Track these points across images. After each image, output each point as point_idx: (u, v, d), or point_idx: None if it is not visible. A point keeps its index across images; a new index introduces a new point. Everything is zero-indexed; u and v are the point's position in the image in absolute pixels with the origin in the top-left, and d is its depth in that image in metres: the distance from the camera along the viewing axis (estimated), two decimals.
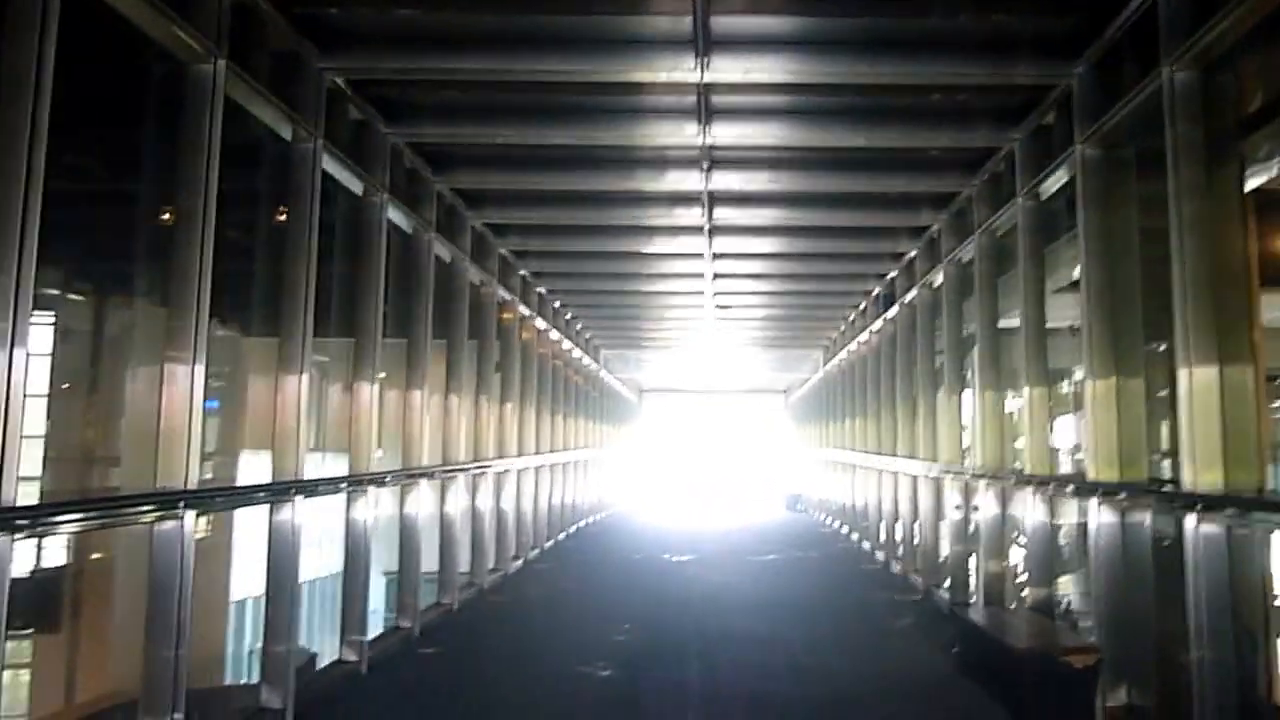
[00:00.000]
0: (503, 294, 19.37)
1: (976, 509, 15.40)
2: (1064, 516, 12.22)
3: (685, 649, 13.24)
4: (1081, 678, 9.56)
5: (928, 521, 17.93)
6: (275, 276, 10.12)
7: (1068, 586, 12.55)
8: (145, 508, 7.59)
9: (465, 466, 16.65)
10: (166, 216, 8.14)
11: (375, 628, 13.12)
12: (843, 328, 27.85)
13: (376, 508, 11.97)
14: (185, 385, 7.80)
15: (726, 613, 15.93)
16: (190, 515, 7.68)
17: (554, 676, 11.65)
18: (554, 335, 24.90)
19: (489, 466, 18.15)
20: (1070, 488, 11.35)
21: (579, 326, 28.66)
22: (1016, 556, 14.19)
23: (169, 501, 7.60)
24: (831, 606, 16.69)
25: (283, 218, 10.14)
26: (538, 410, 23.10)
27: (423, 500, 14.20)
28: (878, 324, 22.57)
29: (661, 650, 13.14)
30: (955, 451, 16.09)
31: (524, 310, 21.24)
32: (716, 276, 20.78)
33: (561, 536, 26.05)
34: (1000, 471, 13.99)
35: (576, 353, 28.84)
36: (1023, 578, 13.43)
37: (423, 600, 14.54)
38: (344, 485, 11.42)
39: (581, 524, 29.73)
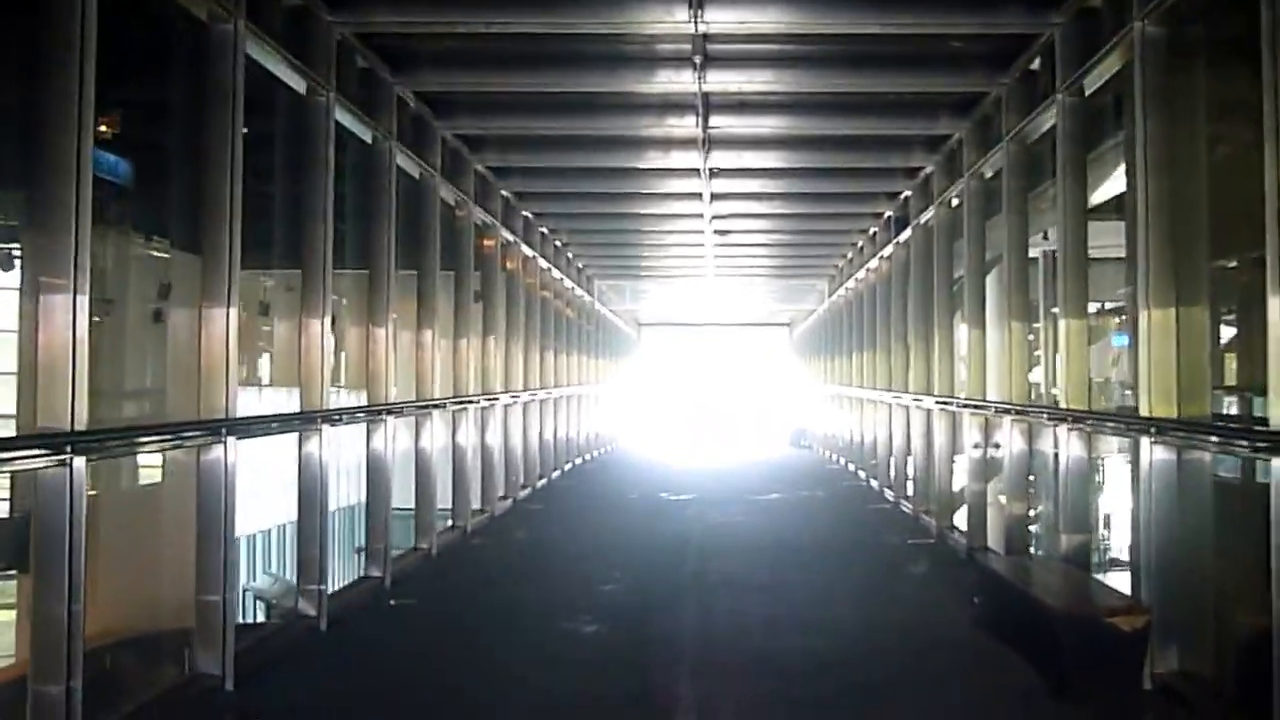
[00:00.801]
0: (487, 219, 18.68)
1: (997, 446, 14.33)
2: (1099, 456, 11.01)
3: (681, 600, 12.09)
4: (1128, 641, 8.36)
5: (942, 459, 16.76)
6: (295, 223, 10.79)
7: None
8: (194, 434, 8.38)
9: (441, 402, 15.45)
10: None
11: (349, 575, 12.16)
12: (850, 255, 26.61)
13: (329, 447, 10.83)
14: (221, 326, 8.59)
15: (727, 558, 14.80)
16: (232, 441, 8.50)
17: (534, 635, 10.48)
18: (543, 264, 23.67)
19: (471, 402, 16.94)
20: (1116, 425, 10.49)
21: (570, 255, 27.44)
22: (1041, 499, 13.06)
23: (213, 429, 8.40)
24: (839, 550, 15.54)
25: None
26: (527, 344, 21.97)
27: (394, 437, 13.08)
28: (889, 249, 21.34)
29: (655, 601, 11.99)
30: (975, 385, 14.86)
31: (507, 235, 20.15)
32: (714, 198, 19.55)
33: (555, 475, 24.91)
34: (1029, 405, 12.82)
35: (568, 283, 27.63)
36: (1050, 522, 12.27)
37: (399, 544, 13.44)
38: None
39: (577, 461, 28.62)
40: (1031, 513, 13.15)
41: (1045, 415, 11.98)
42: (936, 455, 16.99)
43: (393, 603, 11.95)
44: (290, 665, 9.41)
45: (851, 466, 26.88)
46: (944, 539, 15.94)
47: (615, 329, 38.81)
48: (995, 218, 14.22)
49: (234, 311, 8.71)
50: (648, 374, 47.49)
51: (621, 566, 13.93)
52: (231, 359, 8.69)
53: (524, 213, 21.36)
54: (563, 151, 17.09)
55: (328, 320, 10.78)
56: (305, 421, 10.54)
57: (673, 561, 14.39)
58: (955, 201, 16.22)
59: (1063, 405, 11.16)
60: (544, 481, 23.46)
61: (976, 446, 14.77)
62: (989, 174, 14.41)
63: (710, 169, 17.19)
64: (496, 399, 18.89)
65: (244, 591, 22.25)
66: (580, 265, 29.61)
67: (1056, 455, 11.50)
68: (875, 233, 23.27)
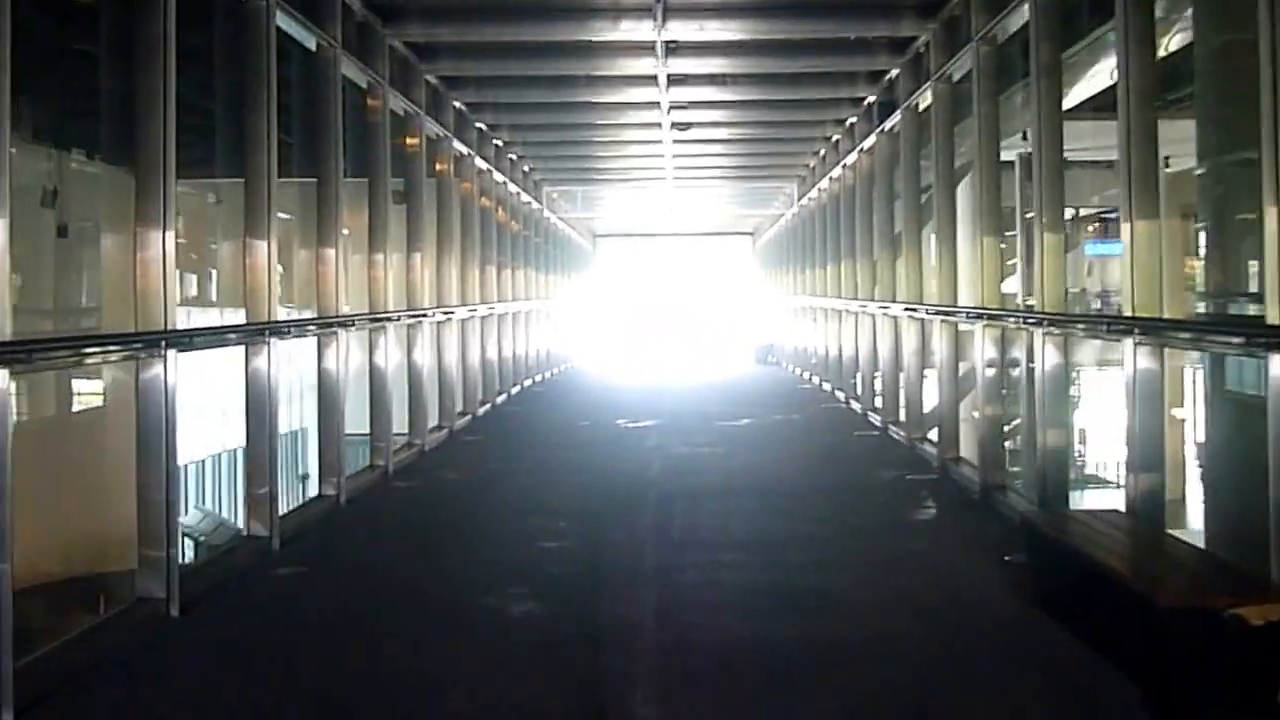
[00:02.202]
0: (440, 131, 18.05)
1: (1016, 364, 12.51)
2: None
3: (638, 564, 9.58)
4: (1258, 640, 5.89)
5: (946, 379, 14.31)
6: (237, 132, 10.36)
7: None
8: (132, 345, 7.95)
9: (350, 319, 12.94)
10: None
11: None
12: (822, 152, 24.11)
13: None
14: (158, 239, 8.08)
15: (693, 503, 12.27)
16: (173, 355, 8.03)
17: (442, 621, 7.95)
18: (483, 167, 21.11)
19: (389, 319, 14.36)
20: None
21: (524, 166, 24.93)
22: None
23: (151, 341, 7.93)
24: (827, 491, 13.07)
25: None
26: (464, 257, 19.63)
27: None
28: (869, 140, 18.96)
29: (605, 565, 9.49)
30: (993, 292, 12.42)
31: (436, 130, 17.86)
32: (673, 105, 18.25)
33: (500, 399, 22.41)
34: (1064, 313, 10.48)
35: (517, 191, 25.02)
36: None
37: (295, 489, 11.12)
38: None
39: (526, 384, 26.12)
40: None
41: (1106, 326, 9.59)
42: (939, 374, 14.54)
43: (277, 572, 9.42)
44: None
45: (827, 386, 24.49)
46: (948, 474, 13.56)
47: (569, 241, 36.34)
48: (965, 122, 13.81)
49: (170, 221, 8.18)
50: (605, 288, 45.33)
51: (567, 517, 11.42)
52: (170, 272, 8.17)
53: (477, 124, 20.42)
54: (517, 59, 16.52)
55: (273, 231, 10.30)
56: (251, 334, 9.99)
57: (629, 509, 11.89)
58: (923, 106, 15.60)
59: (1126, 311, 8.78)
60: (487, 408, 20.99)
61: (990, 365, 12.36)
62: (957, 77, 13.92)
63: (669, 75, 16.57)
64: (425, 315, 16.32)
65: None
66: (533, 174, 27.35)
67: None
68: (840, 137, 21.81)
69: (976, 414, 14.00)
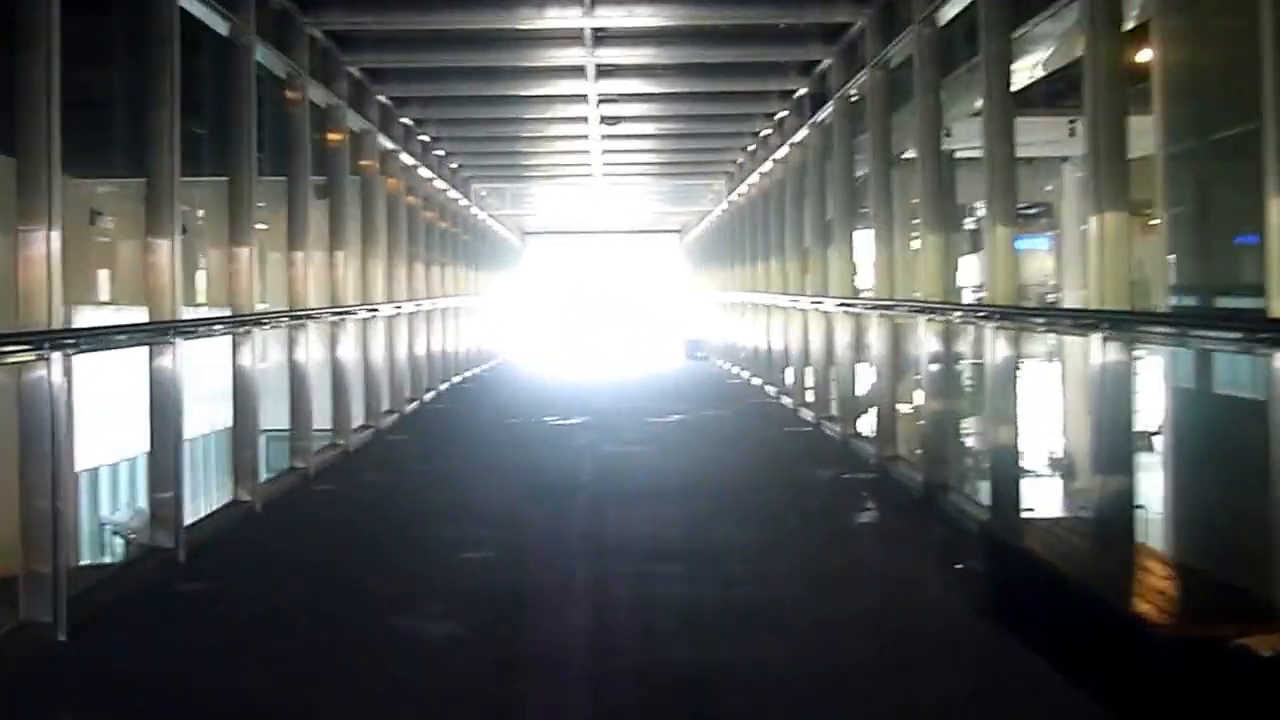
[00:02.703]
0: (364, 125, 17.37)
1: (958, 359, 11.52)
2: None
3: (567, 577, 8.80)
4: (1269, 673, 5.14)
5: (884, 374, 13.62)
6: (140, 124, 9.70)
7: None
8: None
9: (263, 317, 12.14)
10: None
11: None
12: (751, 147, 23.44)
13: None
14: (42, 234, 7.34)
15: (625, 507, 11.50)
16: (58, 357, 7.23)
17: (351, 645, 7.12)
18: (408, 161, 20.27)
19: (309, 317, 13.48)
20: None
21: (451, 163, 24.00)
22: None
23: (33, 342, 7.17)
24: (764, 491, 12.35)
25: None
26: (391, 254, 18.88)
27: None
28: (800, 133, 18.30)
29: (530, 579, 8.70)
30: (938, 286, 11.68)
31: (359, 124, 17.11)
32: (601, 73, 16.66)
33: (429, 397, 21.55)
34: (1022, 307, 9.82)
35: (443, 187, 24.14)
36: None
37: (203, 494, 10.23)
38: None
39: (455, 380, 25.23)
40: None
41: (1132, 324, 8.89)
42: (876, 370, 13.86)
43: (183, 588, 8.56)
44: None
45: (757, 380, 23.79)
46: (887, 472, 12.86)
47: (498, 238, 35.48)
48: (900, 112, 13.51)
49: (55, 216, 7.44)
50: (534, 285, 44.62)
51: (492, 524, 10.63)
52: (55, 269, 7.43)
53: (402, 119, 19.68)
54: (443, 50, 15.81)
55: (177, 227, 9.66)
56: (154, 334, 9.20)
57: (558, 514, 11.06)
58: (856, 96, 15.13)
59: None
60: (414, 405, 20.12)
61: (935, 360, 11.66)
62: (895, 62, 13.38)
63: (598, 65, 16.01)
64: (348, 313, 15.46)
65: (102, 526, 20.85)
66: (460, 171, 26.44)
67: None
68: (770, 132, 21.11)
69: (910, 409, 13.38)
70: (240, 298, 11.43)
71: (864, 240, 15.86)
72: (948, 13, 11.43)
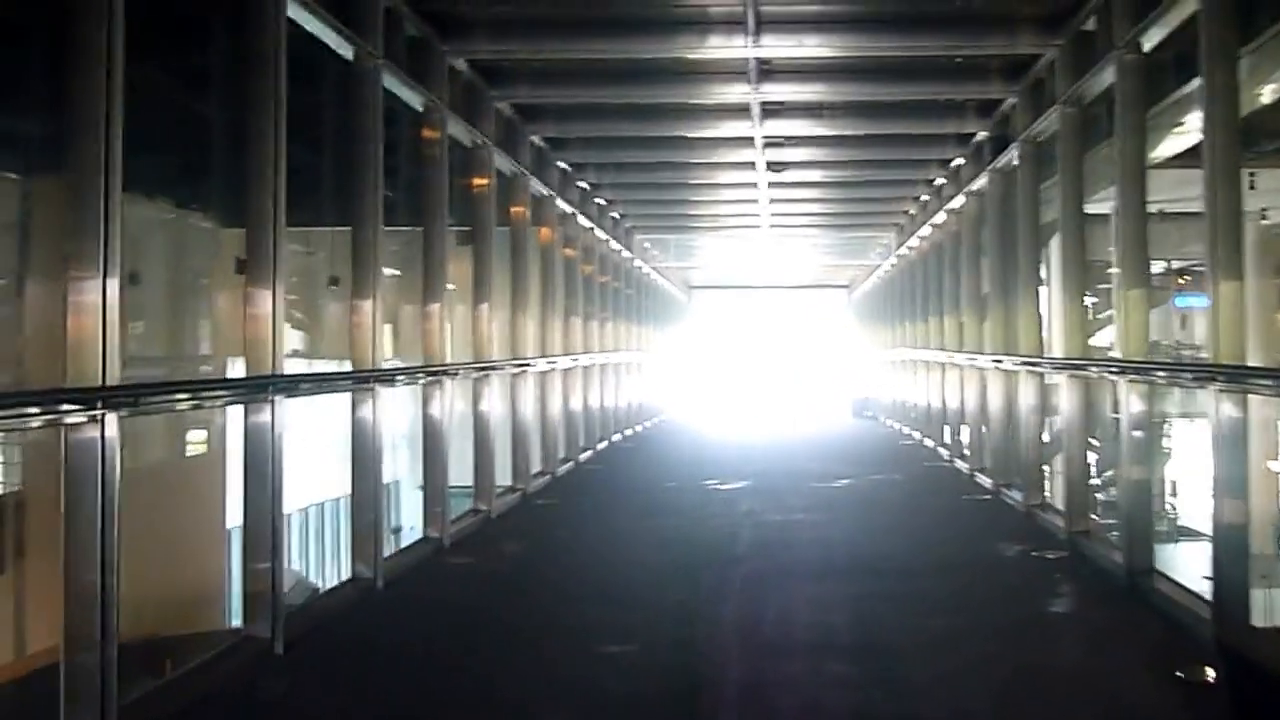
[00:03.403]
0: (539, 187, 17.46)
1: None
2: None
3: (721, 681, 7.41)
4: None
5: (1073, 440, 12.12)
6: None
7: None
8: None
9: (393, 373, 11.16)
10: None
11: None
12: (923, 197, 22.05)
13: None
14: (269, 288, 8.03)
15: (788, 586, 10.14)
16: (281, 399, 7.87)
17: None
18: (565, 207, 19.20)
19: (444, 373, 12.36)
20: None
21: (602, 202, 22.75)
22: None
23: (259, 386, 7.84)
24: (943, 571, 10.82)
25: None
26: (544, 305, 17.99)
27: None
28: (979, 181, 16.85)
29: (678, 682, 7.34)
30: (1139, 344, 10.15)
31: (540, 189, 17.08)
32: (766, 112, 15.47)
33: (585, 456, 20.35)
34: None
35: (600, 234, 23.05)
36: None
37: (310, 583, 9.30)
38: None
39: (615, 439, 24.03)
40: None
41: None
42: (1068, 436, 12.31)
43: (277, 685, 7.39)
44: None
45: (929, 442, 22.25)
46: (1080, 551, 11.36)
47: (662, 291, 34.37)
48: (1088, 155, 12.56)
49: (279, 272, 8.13)
50: (700, 340, 43.45)
51: (638, 607, 9.33)
52: (279, 318, 8.09)
53: (579, 182, 20.04)
54: (601, 87, 14.95)
55: (379, 286, 10.19)
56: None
57: (712, 598, 9.69)
58: (1043, 137, 13.91)
59: None
60: (568, 466, 18.96)
61: (1139, 425, 10.11)
62: (1089, 96, 12.19)
63: (763, 103, 14.99)
64: (494, 368, 14.37)
65: None
66: (624, 222, 25.55)
67: None
68: (945, 181, 19.83)
69: (1102, 479, 11.87)
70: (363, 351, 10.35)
71: (1045, 295, 14.64)
72: (1155, 35, 10.05)
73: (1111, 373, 11.14)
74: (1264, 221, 29.90)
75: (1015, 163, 14.85)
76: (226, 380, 8.50)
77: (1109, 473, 13.97)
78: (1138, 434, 10.18)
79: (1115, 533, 11.02)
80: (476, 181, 14.34)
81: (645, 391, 30.08)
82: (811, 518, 13.98)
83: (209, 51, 9.88)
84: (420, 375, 12.06)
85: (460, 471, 13.09)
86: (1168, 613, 8.75)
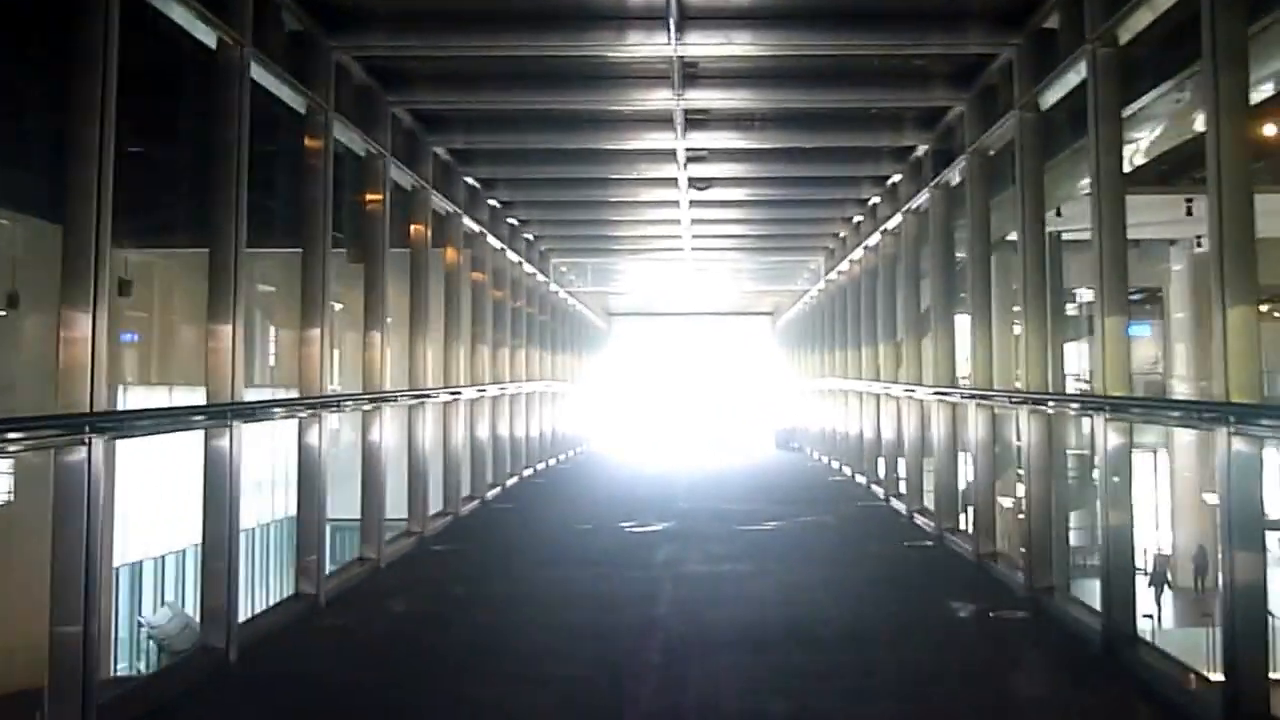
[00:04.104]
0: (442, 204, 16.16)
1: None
2: None
3: None
4: None
5: (1037, 484, 10.73)
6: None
7: None
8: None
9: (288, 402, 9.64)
10: None
11: None
12: (856, 218, 20.71)
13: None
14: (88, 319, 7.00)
15: (714, 662, 8.53)
16: (99, 441, 6.83)
17: None
18: (471, 225, 17.65)
19: (327, 405, 10.75)
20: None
21: (513, 221, 21.14)
22: None
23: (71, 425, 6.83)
24: (895, 643, 9.28)
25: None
26: (448, 332, 16.64)
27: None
28: (921, 198, 15.67)
29: None
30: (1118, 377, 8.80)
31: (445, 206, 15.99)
32: (690, 124, 14.56)
33: (492, 494, 18.71)
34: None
35: (515, 257, 21.43)
36: None
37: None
38: None
39: (527, 473, 22.41)
40: None
41: None
42: (1031, 479, 10.87)
43: None
44: None
45: (861, 479, 20.79)
46: (1045, 612, 9.94)
47: (581, 319, 32.80)
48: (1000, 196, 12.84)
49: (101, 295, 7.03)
50: (621, 369, 41.94)
51: (537, 684, 7.76)
52: (100, 350, 6.98)
53: (489, 200, 18.78)
54: (534, 131, 15.09)
55: (238, 314, 9.01)
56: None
57: (627, 675, 8.10)
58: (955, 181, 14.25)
59: None
60: (474, 505, 17.35)
61: (1116, 470, 8.72)
62: (993, 150, 12.76)
63: (686, 111, 13.98)
64: (388, 400, 12.73)
65: (140, 628, 19.83)
66: (538, 244, 24.04)
67: None
68: (879, 200, 18.80)
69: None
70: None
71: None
72: (1050, 97, 10.75)
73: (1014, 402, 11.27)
74: (1198, 250, 28.79)
75: (958, 179, 13.76)
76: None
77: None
78: (1115, 479, 8.78)
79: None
80: (369, 196, 12.75)
81: (563, 423, 28.45)
82: (739, 569, 12.42)
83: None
84: (299, 408, 10.43)
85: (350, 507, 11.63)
86: (1160, 694, 7.38)
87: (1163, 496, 27.85)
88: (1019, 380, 11.80)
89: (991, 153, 12.93)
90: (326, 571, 10.65)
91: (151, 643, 19.47)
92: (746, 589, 11.35)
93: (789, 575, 12.11)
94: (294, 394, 11.02)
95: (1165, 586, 22.48)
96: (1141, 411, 9.67)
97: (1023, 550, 11.02)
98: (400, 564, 12.65)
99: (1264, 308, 13.67)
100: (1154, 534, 26.75)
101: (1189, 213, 21.73)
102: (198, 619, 15.55)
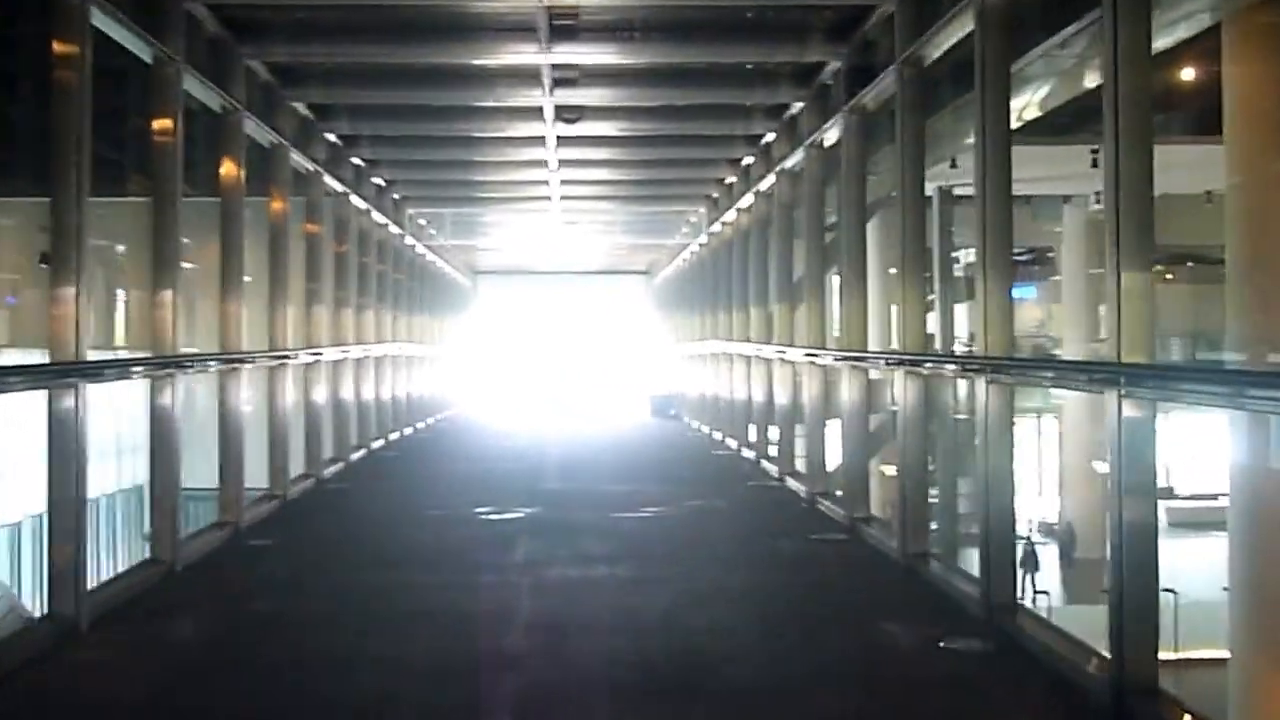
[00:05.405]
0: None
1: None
2: None
3: None
4: None
5: (995, 474, 8.43)
6: None
7: None
8: None
9: None
10: None
11: None
12: (748, 159, 18.30)
13: None
14: None
15: None
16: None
17: None
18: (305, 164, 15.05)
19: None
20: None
21: (358, 161, 18.46)
22: None
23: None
24: (834, 692, 6.91)
25: None
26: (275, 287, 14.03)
27: None
28: (796, 156, 14.23)
29: None
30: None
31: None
32: (558, 83, 13.66)
33: (330, 471, 16.13)
34: None
35: (361, 203, 18.80)
36: None
37: None
38: None
39: (375, 445, 19.86)
40: None
41: None
42: (989, 466, 8.52)
43: None
44: None
45: (748, 452, 18.57)
46: (1016, 642, 7.64)
47: (441, 276, 30.14)
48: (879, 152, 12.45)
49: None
50: (487, 330, 39.46)
51: None
52: None
53: (327, 135, 16.37)
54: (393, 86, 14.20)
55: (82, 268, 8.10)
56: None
57: None
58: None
59: None
60: (306, 485, 14.83)
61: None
62: (871, 107, 12.08)
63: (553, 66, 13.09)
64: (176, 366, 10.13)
65: None
66: (389, 190, 21.28)
67: None
68: (774, 137, 16.50)
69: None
70: None
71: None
72: (932, 51, 10.07)
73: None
74: (1095, 207, 27.27)
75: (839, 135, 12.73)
76: None
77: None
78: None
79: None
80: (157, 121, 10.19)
81: (421, 388, 25.87)
82: (616, 574, 10.01)
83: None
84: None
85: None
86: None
87: (1050, 465, 26.70)
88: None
89: (870, 109, 12.17)
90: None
91: None
92: (628, 604, 8.91)
93: (678, 582, 9.65)
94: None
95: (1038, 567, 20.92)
96: (1024, 373, 9.44)
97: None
98: (205, 564, 10.13)
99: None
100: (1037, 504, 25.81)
101: (1094, 164, 20.30)
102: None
